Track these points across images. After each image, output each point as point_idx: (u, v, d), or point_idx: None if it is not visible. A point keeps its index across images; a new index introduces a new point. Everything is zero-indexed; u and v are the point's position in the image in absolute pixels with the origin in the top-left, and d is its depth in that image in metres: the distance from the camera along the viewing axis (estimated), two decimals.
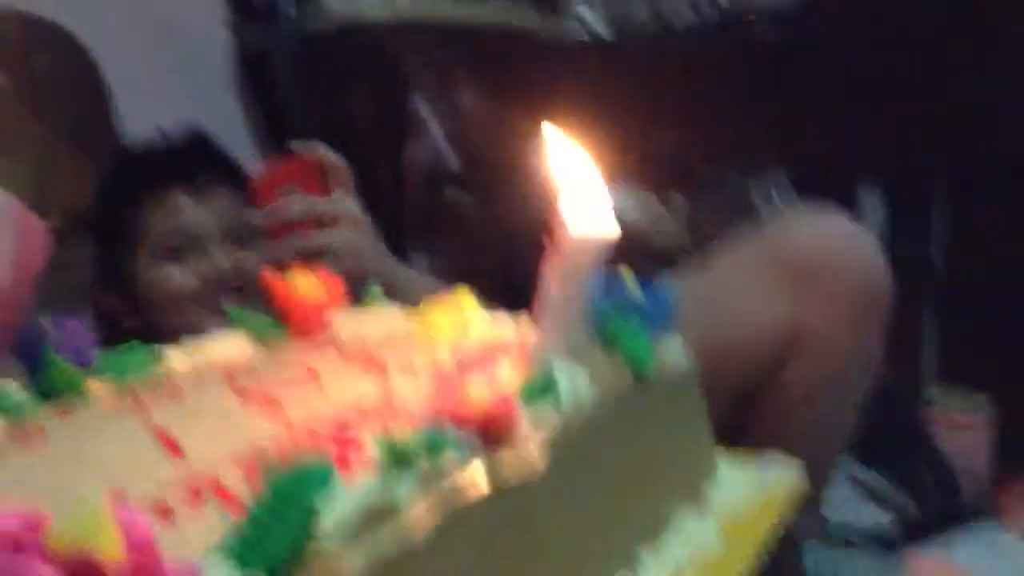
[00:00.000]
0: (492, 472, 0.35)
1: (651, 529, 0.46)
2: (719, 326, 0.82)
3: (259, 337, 0.57)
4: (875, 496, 1.27)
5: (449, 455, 0.34)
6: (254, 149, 1.44)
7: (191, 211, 1.02)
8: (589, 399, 0.41)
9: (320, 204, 0.88)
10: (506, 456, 0.36)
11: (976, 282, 1.63)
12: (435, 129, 1.70)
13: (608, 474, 0.43)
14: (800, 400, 0.82)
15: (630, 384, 0.45)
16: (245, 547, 0.27)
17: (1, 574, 0.23)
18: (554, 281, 0.43)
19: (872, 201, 1.73)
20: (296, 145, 0.92)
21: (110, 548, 0.24)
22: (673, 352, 0.49)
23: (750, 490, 0.52)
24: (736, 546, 0.48)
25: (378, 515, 0.31)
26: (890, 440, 1.33)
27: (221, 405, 0.45)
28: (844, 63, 1.52)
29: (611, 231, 0.42)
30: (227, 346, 0.56)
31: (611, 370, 0.45)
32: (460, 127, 1.71)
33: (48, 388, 0.47)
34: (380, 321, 0.60)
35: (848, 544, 1.18)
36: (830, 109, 1.59)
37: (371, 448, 0.34)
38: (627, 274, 0.50)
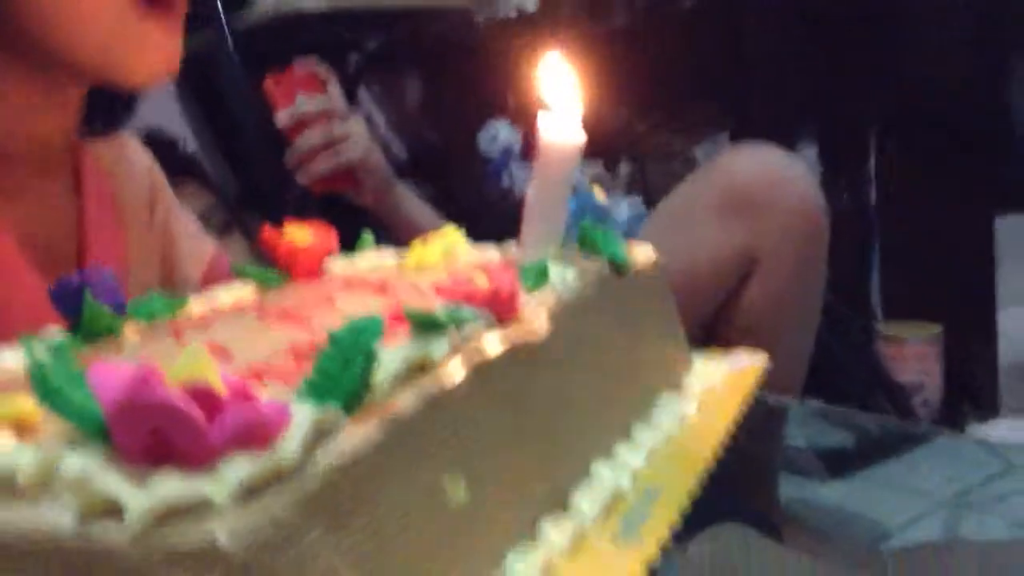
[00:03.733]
0: (505, 337, 0.41)
1: (640, 408, 0.53)
2: (678, 256, 0.89)
3: (265, 285, 0.62)
4: (834, 419, 1.34)
5: (469, 325, 0.40)
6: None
7: None
8: (577, 285, 0.48)
9: (331, 101, 1.00)
10: (515, 325, 0.42)
11: (912, 228, 1.73)
12: (380, 120, 1.74)
13: (599, 354, 0.49)
14: (761, 316, 0.90)
15: (609, 276, 0.51)
16: (319, 389, 0.33)
17: (137, 398, 0.29)
18: (536, 192, 0.50)
19: (811, 157, 1.82)
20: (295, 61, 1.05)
21: (216, 382, 0.30)
22: (645, 253, 0.55)
23: (722, 374, 0.59)
24: (712, 417, 0.54)
25: (419, 367, 0.37)
26: (846, 372, 1.42)
27: (251, 325, 0.50)
28: (784, 24, 1.60)
29: (581, 137, 0.49)
30: (239, 292, 0.61)
31: (592, 267, 0.51)
32: (406, 116, 1.75)
33: (88, 332, 0.51)
34: (375, 261, 0.65)
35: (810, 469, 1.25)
36: (771, 72, 1.67)
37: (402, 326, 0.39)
38: (598, 192, 0.57)
